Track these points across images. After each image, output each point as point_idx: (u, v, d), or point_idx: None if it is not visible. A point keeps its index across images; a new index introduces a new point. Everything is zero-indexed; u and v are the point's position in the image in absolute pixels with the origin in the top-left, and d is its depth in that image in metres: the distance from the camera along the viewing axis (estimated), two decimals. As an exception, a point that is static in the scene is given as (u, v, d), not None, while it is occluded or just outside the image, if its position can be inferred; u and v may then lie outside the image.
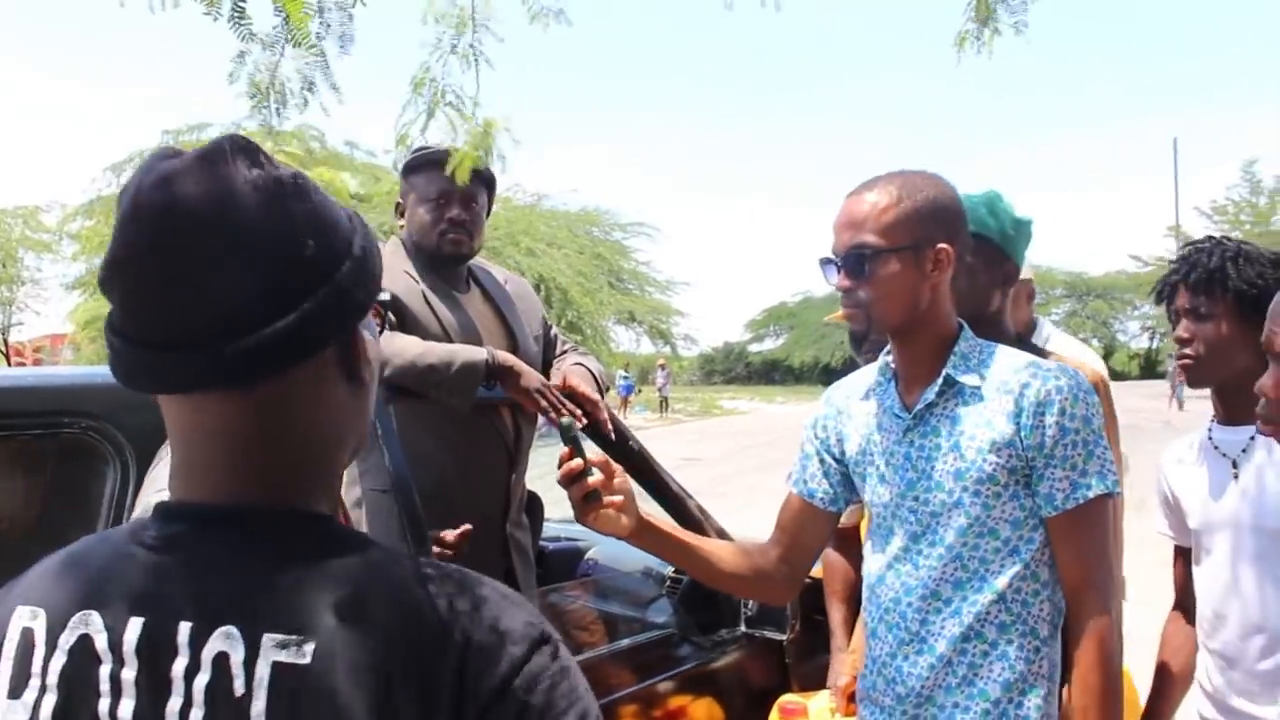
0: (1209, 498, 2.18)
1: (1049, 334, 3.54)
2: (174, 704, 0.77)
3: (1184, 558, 2.30)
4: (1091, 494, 1.77)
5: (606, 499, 1.89)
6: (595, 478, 1.87)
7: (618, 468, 1.95)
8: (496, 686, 0.75)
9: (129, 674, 0.78)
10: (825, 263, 1.90)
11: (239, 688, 0.75)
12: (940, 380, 1.85)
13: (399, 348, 2.32)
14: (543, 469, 2.94)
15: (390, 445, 2.23)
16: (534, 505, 2.97)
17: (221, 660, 0.76)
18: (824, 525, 2.10)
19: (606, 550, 3.61)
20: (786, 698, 2.76)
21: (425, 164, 2.69)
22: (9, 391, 2.11)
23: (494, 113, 2.01)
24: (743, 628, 2.92)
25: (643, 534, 1.97)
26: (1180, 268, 2.21)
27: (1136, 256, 52.11)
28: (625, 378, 34.19)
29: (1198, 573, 2.22)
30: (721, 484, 12.21)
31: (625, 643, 2.84)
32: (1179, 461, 2.30)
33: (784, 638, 2.91)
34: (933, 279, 1.84)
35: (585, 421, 2.50)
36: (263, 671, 0.75)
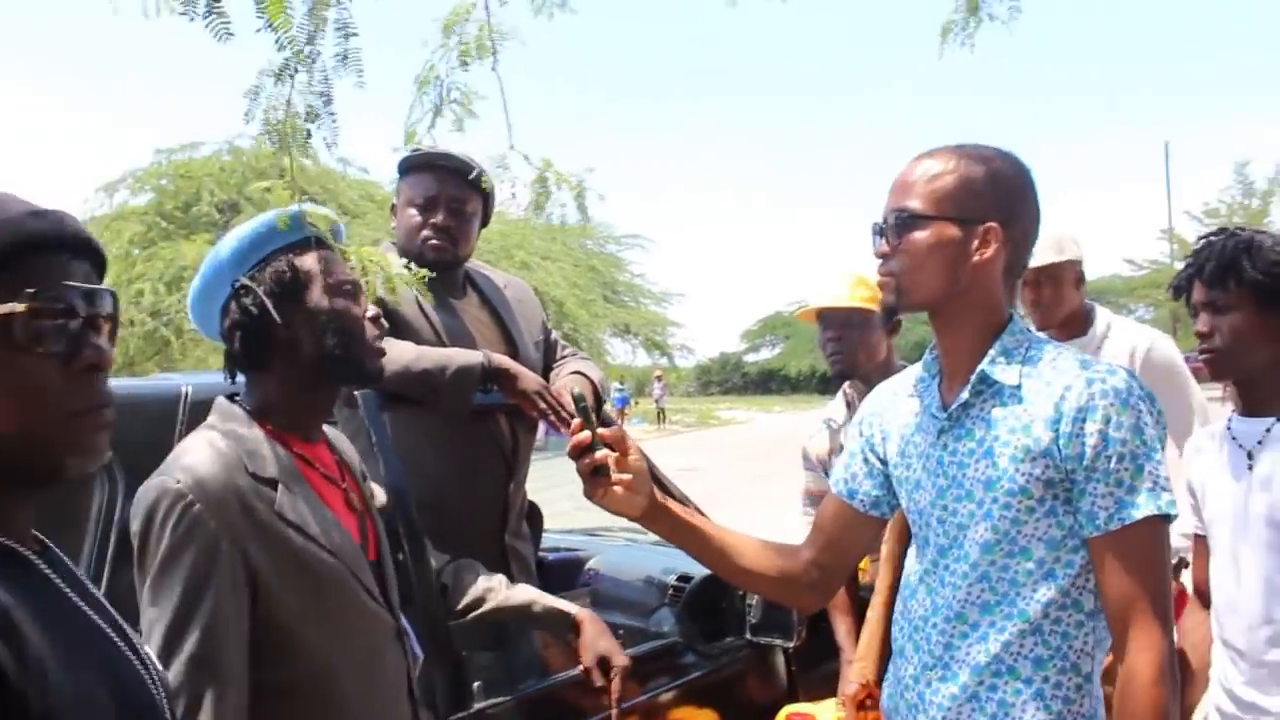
0: (1223, 488, 2.16)
1: (1109, 323, 3.49)
2: None
3: (1205, 548, 2.27)
4: (1139, 514, 1.55)
5: (616, 476, 1.79)
6: (604, 452, 1.79)
7: (634, 444, 1.85)
8: None
9: None
10: (874, 229, 1.76)
11: None
12: (975, 377, 1.69)
13: (393, 354, 2.24)
14: (543, 480, 2.89)
15: (386, 455, 2.19)
16: (533, 515, 2.92)
17: None
18: (864, 531, 1.95)
19: (608, 560, 3.56)
20: (794, 707, 2.72)
21: (415, 166, 2.63)
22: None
23: (534, 137, 1.94)
24: (748, 636, 2.87)
25: (657, 517, 1.87)
26: (1194, 261, 2.18)
27: (1130, 260, 52.10)
28: (620, 390, 34.11)
29: (1212, 563, 2.19)
30: (721, 494, 12.15)
31: (628, 652, 2.78)
32: (1199, 451, 2.28)
33: (790, 646, 2.87)
34: (976, 258, 1.67)
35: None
36: None
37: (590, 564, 3.53)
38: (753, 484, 14.48)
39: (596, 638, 2.16)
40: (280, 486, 1.57)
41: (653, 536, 3.99)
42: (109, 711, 0.92)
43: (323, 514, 1.64)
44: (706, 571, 2.93)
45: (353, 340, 1.69)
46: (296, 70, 1.53)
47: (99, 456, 1.00)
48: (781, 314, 66.19)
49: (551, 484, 2.17)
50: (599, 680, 2.11)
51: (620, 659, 2.15)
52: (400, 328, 2.43)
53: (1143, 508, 1.56)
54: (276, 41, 1.52)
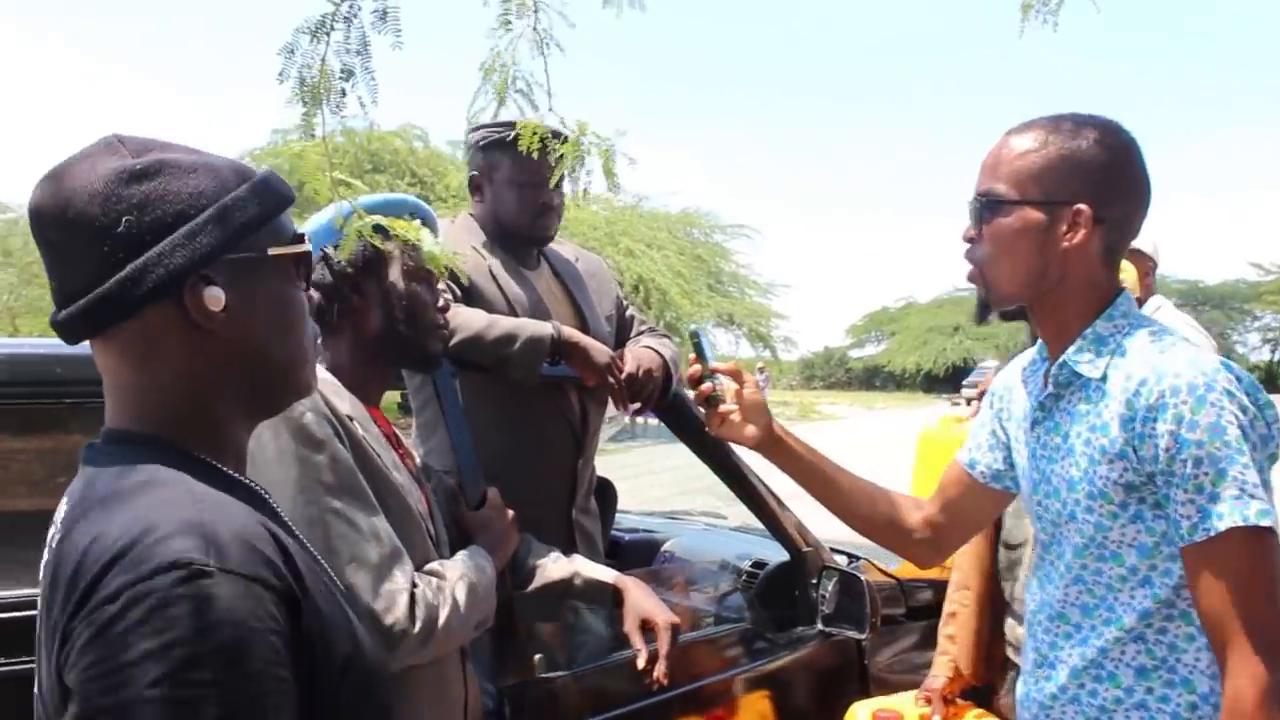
0: None
1: (1159, 305, 3.29)
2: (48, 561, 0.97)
3: None
4: (1222, 525, 1.40)
5: (727, 406, 1.87)
6: (717, 384, 1.88)
7: (750, 378, 1.92)
8: (98, 600, 0.82)
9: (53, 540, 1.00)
10: (970, 208, 1.66)
11: (49, 560, 0.95)
12: (1055, 369, 1.61)
13: (463, 320, 2.27)
14: (643, 466, 2.86)
15: (454, 424, 2.18)
16: (606, 493, 2.90)
17: (51, 540, 0.97)
18: (982, 501, 1.90)
19: (684, 543, 3.54)
20: (876, 703, 2.66)
21: (517, 142, 2.59)
22: (53, 360, 2.10)
23: (575, 107, 1.93)
24: (819, 626, 2.82)
25: (774, 447, 1.90)
26: None
27: (1258, 264, 50.24)
28: (723, 380, 33.94)
29: None
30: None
31: (696, 635, 2.76)
32: None
33: (862, 637, 2.81)
34: (1066, 244, 1.55)
35: (637, 405, 2.45)
36: (50, 554, 0.95)
37: (666, 546, 3.52)
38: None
39: (639, 601, 2.08)
40: (353, 420, 1.68)
41: (732, 521, 4.00)
42: (348, 637, 0.98)
43: (390, 455, 1.75)
44: (781, 559, 2.91)
45: (418, 322, 1.82)
46: (334, 27, 1.53)
47: None
48: (888, 309, 65.36)
49: (648, 470, 2.17)
50: (637, 643, 2.02)
51: (663, 618, 2.05)
52: (473, 297, 2.44)
53: (1226, 518, 1.41)
54: None
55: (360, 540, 1.57)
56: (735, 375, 1.91)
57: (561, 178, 2.58)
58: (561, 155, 1.91)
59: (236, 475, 1.03)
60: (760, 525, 2.96)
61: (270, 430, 1.57)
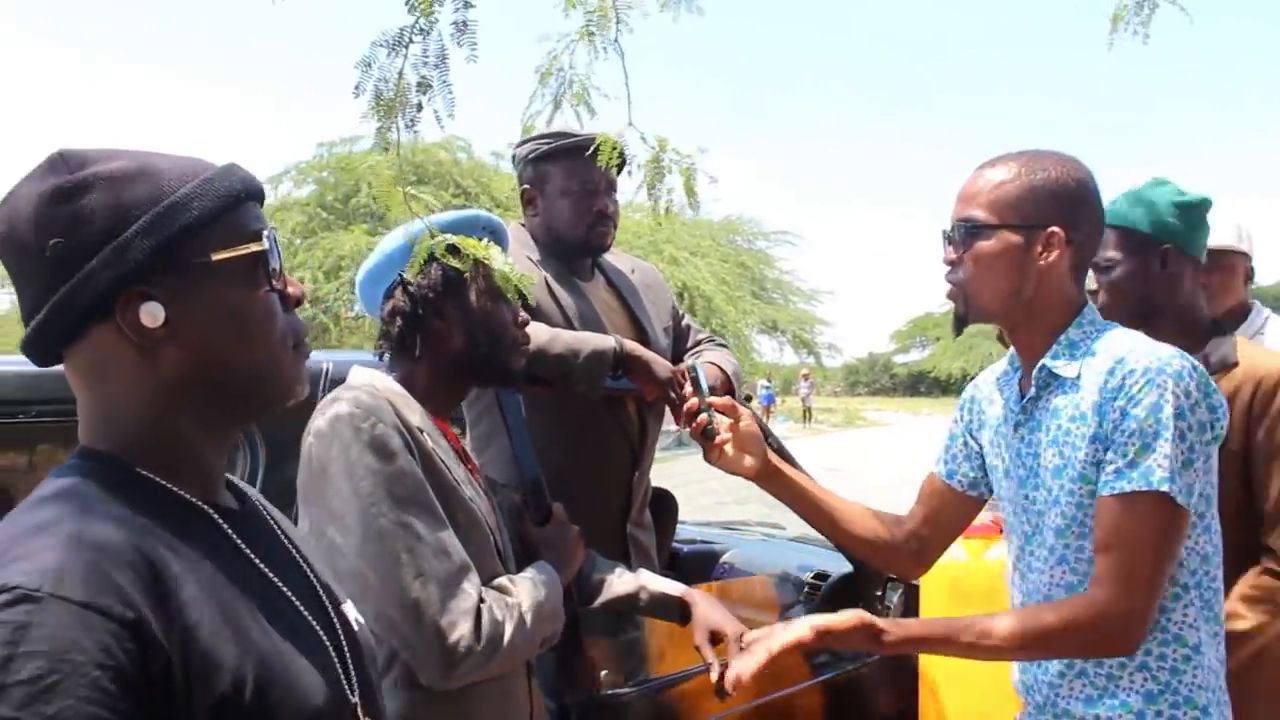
0: None
1: (1266, 317, 3.11)
2: None
3: None
4: (1129, 487, 1.60)
5: (723, 438, 2.02)
6: (716, 418, 2.03)
7: (745, 411, 2.07)
8: None
9: None
10: (944, 236, 1.83)
11: None
12: (1037, 371, 1.77)
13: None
14: (704, 473, 2.83)
15: (518, 435, 2.17)
16: (667, 506, 2.88)
17: None
18: (962, 509, 2.05)
19: (743, 554, 3.51)
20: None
21: (566, 152, 2.55)
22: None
23: (606, 106, 1.90)
24: (884, 638, 2.78)
25: (769, 478, 2.06)
26: None
27: (1314, 265, 49.34)
28: (767, 387, 33.89)
29: None
30: (870, 496, 11.88)
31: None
32: None
33: (929, 649, 2.77)
34: (1041, 264, 1.73)
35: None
36: None
37: (725, 557, 3.49)
38: (898, 488, 14.18)
39: (708, 613, 2.04)
40: (423, 433, 1.67)
41: (789, 533, 3.96)
42: (232, 679, 0.87)
43: (460, 469, 1.74)
44: (843, 570, 2.88)
45: (500, 340, 1.82)
46: (412, 40, 1.53)
47: None
48: (932, 315, 64.81)
49: (699, 479, 2.18)
50: (709, 656, 1.97)
51: (733, 629, 1.99)
52: (529, 310, 2.40)
53: (1135, 481, 1.59)
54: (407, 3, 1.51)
55: (428, 554, 1.55)
56: (729, 410, 2.07)
57: (613, 184, 2.58)
58: (648, 178, 1.89)
59: (183, 494, 0.97)
60: (820, 535, 2.92)
61: (340, 441, 1.57)
